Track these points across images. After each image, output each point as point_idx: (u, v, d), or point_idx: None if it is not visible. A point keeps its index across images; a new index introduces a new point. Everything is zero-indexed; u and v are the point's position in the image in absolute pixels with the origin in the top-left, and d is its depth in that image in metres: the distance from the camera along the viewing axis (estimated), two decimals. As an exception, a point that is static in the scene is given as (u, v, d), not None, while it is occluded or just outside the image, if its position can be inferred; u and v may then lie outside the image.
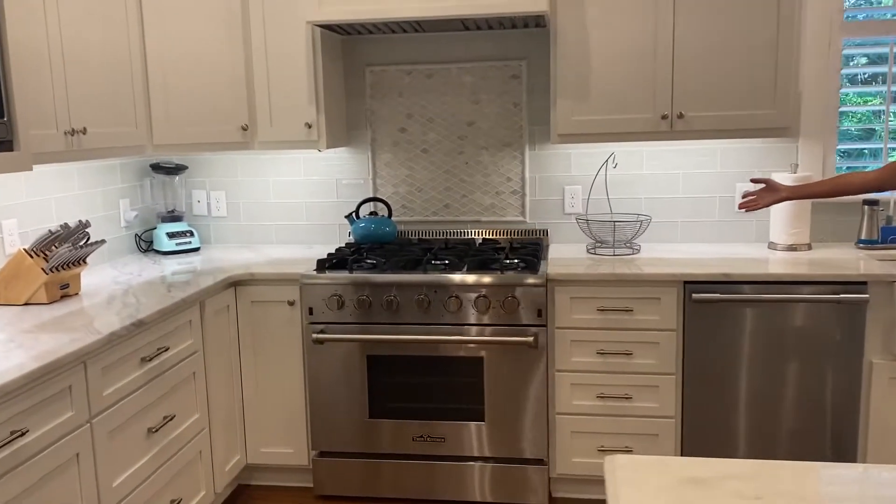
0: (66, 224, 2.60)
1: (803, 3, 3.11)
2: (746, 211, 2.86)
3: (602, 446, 2.90)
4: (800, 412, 2.76)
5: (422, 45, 3.39)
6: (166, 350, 2.46)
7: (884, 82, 3.18)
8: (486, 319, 2.83)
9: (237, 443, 3.03)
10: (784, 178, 2.94)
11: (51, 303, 2.51)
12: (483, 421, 2.89)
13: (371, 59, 3.43)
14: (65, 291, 2.59)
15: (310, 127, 3.12)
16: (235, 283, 2.98)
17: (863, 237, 3.14)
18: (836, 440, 2.76)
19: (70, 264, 2.58)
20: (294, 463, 3.08)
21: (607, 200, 3.37)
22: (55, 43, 2.45)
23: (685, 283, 2.76)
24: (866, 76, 3.24)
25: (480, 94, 3.39)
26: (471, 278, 2.81)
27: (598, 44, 2.95)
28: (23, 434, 1.81)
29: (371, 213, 3.36)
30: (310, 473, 3.10)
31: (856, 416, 2.73)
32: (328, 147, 3.17)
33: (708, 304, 2.74)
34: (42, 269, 2.47)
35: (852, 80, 3.22)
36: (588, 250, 3.21)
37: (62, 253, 2.50)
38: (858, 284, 2.66)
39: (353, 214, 3.36)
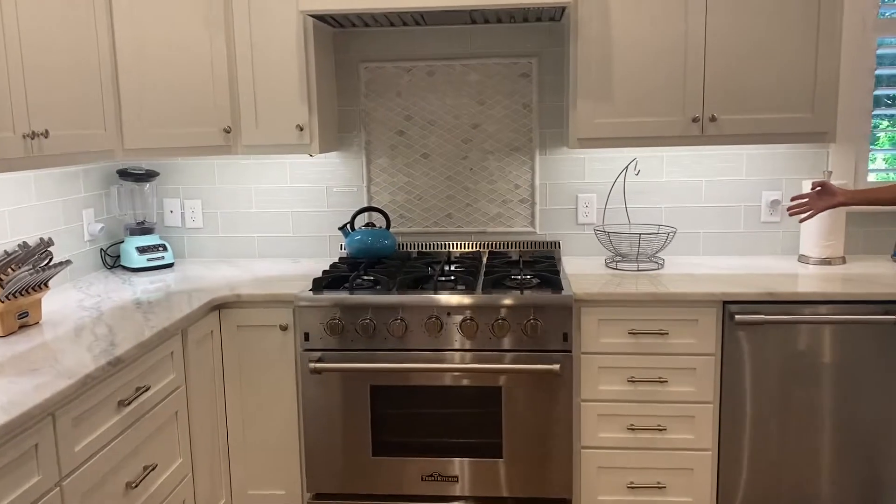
0: (24, 243, 2.24)
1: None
2: (801, 219, 2.63)
3: (632, 483, 2.64)
4: (847, 445, 2.53)
5: (422, 40, 3.09)
6: (146, 390, 2.11)
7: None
8: (505, 345, 2.54)
9: (222, 485, 2.69)
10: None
11: (7, 335, 2.15)
12: (501, 457, 2.60)
13: (366, 54, 3.12)
14: (23, 321, 2.22)
15: (301, 129, 2.79)
16: (220, 307, 2.64)
17: (899, 249, 2.94)
18: (887, 483, 2.53)
19: (30, 289, 2.22)
20: (286, 506, 2.75)
21: (625, 210, 3.11)
22: (11, 33, 2.07)
23: (724, 302, 2.51)
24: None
25: (486, 94, 3.10)
26: (487, 299, 2.52)
27: (622, 39, 2.68)
28: (-22, 512, 1.46)
29: (366, 225, 3.04)
30: (304, 517, 2.78)
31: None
32: (321, 151, 2.85)
33: (749, 325, 2.50)
34: (-3, 296, 2.11)
35: (889, 81, 3.00)
36: (607, 264, 2.94)
37: (21, 277, 2.14)
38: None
39: (348, 226, 3.04)
